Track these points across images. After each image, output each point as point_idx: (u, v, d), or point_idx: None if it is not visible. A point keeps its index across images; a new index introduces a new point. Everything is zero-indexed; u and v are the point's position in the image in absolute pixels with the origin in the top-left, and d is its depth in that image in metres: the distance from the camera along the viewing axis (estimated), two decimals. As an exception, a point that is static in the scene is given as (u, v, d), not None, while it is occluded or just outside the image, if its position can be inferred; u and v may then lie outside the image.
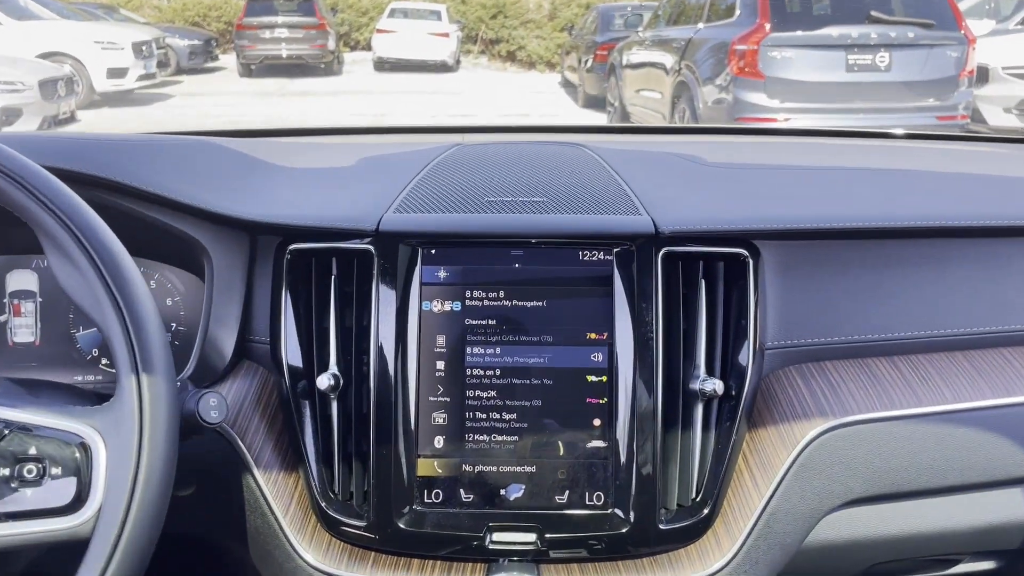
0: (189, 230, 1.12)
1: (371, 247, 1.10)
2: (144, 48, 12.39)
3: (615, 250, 1.09)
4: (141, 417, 0.82)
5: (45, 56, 10.89)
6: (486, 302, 1.09)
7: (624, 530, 1.04)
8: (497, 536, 1.05)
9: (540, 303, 1.09)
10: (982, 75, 7.59)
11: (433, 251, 1.10)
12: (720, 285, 1.13)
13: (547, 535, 1.05)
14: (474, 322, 1.08)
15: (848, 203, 1.21)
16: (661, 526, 1.05)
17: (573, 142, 1.48)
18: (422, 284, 1.09)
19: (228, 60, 17.59)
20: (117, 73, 11.93)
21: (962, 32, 7.01)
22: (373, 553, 1.08)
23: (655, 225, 1.09)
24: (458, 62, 18.13)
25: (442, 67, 17.19)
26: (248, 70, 16.25)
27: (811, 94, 6.99)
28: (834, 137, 1.88)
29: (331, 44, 16.50)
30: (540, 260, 1.10)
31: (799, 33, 7.03)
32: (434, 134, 1.51)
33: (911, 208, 1.19)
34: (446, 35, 17.12)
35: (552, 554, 1.05)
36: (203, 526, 1.15)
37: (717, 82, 7.27)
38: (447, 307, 1.09)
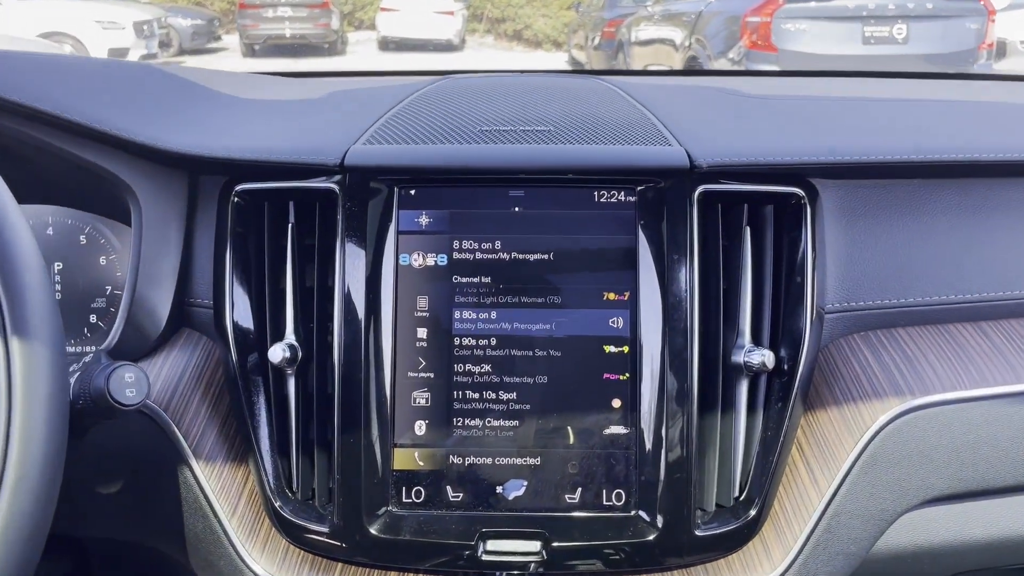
0: (109, 166, 0.91)
1: (335, 186, 0.89)
2: (145, 28, 12.16)
3: (639, 189, 0.88)
4: (10, 397, 0.61)
5: (45, 36, 10.68)
6: (478, 255, 0.88)
7: (651, 537, 0.84)
8: (492, 544, 0.84)
9: (545, 256, 0.88)
10: (1000, 49, 7.34)
11: (413, 191, 0.89)
12: (769, 234, 0.91)
13: (554, 543, 0.84)
14: (463, 280, 0.88)
15: (926, 134, 0.99)
16: (697, 532, 0.84)
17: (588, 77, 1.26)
18: (399, 233, 0.88)
19: (231, 40, 17.35)
20: (118, 53, 11.72)
21: (981, 3, 6.74)
22: (340, 565, 0.88)
23: (690, 157, 0.88)
24: (463, 41, 17.85)
25: (447, 46, 16.92)
26: (251, 50, 16.01)
27: (826, 68, 6.73)
28: (870, 78, 1.65)
29: (335, 23, 16.25)
30: (545, 202, 0.88)
31: (813, 4, 6.77)
32: (430, 76, 1.30)
33: (1004, 140, 0.97)
34: (451, 13, 16.83)
35: (560, 567, 0.85)
36: (136, 530, 0.94)
37: (729, 56, 7.03)
38: (430, 261, 0.88)
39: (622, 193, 0.88)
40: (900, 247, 0.95)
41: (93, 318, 1.05)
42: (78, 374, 0.76)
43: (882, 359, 0.91)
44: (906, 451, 0.88)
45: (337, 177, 0.89)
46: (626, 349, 0.87)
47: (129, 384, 0.75)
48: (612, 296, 0.87)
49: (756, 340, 0.90)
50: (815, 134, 0.98)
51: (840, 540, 0.88)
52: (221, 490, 0.88)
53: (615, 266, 0.87)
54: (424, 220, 0.88)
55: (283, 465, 0.89)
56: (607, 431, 0.86)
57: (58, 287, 1.05)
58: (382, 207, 0.88)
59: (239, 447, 0.90)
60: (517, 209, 0.89)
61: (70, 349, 1.04)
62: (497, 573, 0.87)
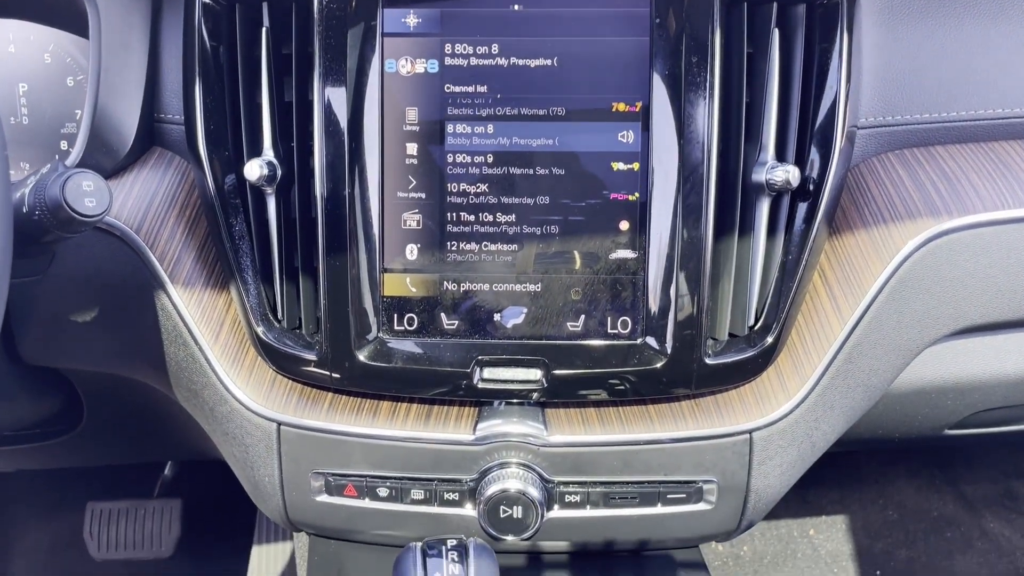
0: None
1: None
2: None
3: None
4: None
5: None
6: (473, 60, 0.79)
7: (658, 365, 0.79)
8: (489, 372, 0.80)
9: (548, 61, 0.79)
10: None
11: None
12: (799, 37, 0.81)
13: (555, 371, 0.79)
14: (457, 89, 0.79)
15: None
16: (707, 360, 0.79)
17: None
18: (384, 35, 0.79)
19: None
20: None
21: None
22: (329, 395, 0.84)
23: None
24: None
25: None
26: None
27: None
28: None
29: None
30: (549, 0, 0.79)
31: None
32: None
33: None
34: None
35: (562, 395, 0.80)
36: (117, 361, 0.90)
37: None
38: (420, 67, 0.79)
39: None
40: (946, 55, 0.85)
41: (64, 144, 0.98)
42: (33, 183, 0.70)
43: (918, 178, 0.83)
44: (938, 276, 0.81)
45: None
46: (636, 166, 0.79)
47: (88, 193, 0.68)
48: (622, 107, 0.79)
49: (780, 157, 0.81)
50: None
51: (861, 371, 0.83)
52: (201, 317, 0.83)
53: (626, 73, 0.78)
54: (412, 20, 0.79)
55: (267, 292, 0.83)
56: (613, 255, 0.80)
57: (24, 111, 0.97)
58: (364, 6, 0.78)
59: (219, 273, 0.84)
60: (517, 7, 0.79)
61: None
62: (495, 402, 0.83)
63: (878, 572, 1.63)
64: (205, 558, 1.58)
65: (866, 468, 1.73)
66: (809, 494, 1.71)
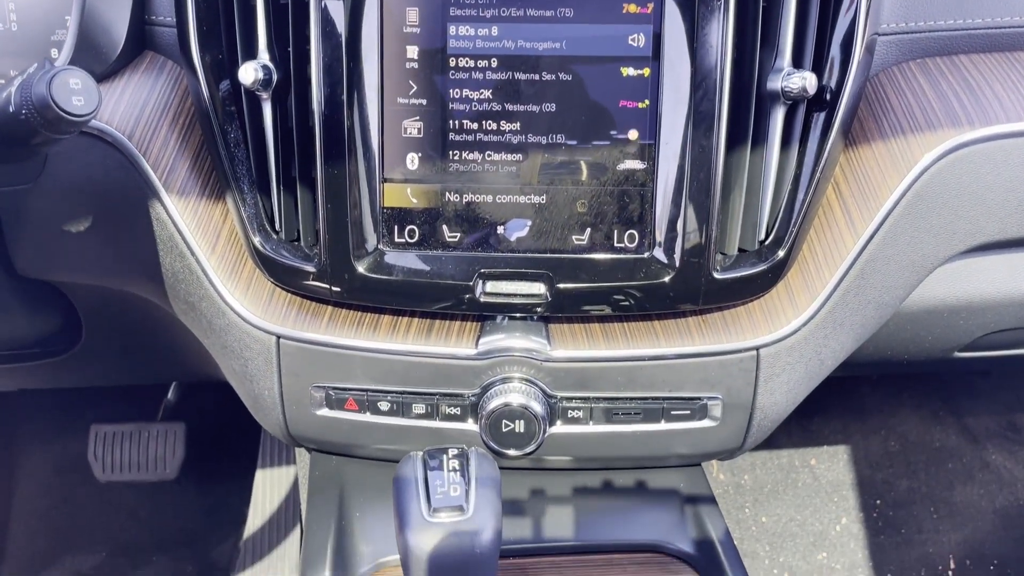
0: None
1: None
2: None
3: None
4: None
5: None
6: None
7: (665, 279, 0.77)
8: (492, 286, 0.78)
9: None
10: None
11: None
12: None
13: (560, 285, 0.77)
14: None
15: None
16: (716, 274, 0.77)
17: None
18: None
19: None
20: None
21: None
22: (329, 308, 0.82)
23: None
24: None
25: None
26: None
27: None
28: None
29: None
30: None
31: None
32: None
33: None
34: None
35: (566, 310, 0.79)
36: (112, 272, 0.89)
37: None
38: None
39: None
40: None
41: (54, 52, 0.94)
42: (19, 81, 0.67)
43: (939, 88, 0.80)
44: (956, 190, 0.78)
45: None
46: (646, 72, 0.76)
47: (75, 91, 0.65)
48: (633, 8, 0.75)
49: (797, 63, 0.78)
50: None
51: (873, 287, 0.80)
52: (197, 227, 0.80)
53: None
54: None
55: (264, 202, 0.81)
56: (621, 166, 0.77)
57: (12, 17, 0.94)
58: None
59: (215, 182, 0.82)
60: None
61: None
62: (498, 316, 0.81)
63: (878, 502, 1.64)
64: (209, 480, 1.60)
65: (869, 399, 1.73)
66: (811, 423, 1.72)
